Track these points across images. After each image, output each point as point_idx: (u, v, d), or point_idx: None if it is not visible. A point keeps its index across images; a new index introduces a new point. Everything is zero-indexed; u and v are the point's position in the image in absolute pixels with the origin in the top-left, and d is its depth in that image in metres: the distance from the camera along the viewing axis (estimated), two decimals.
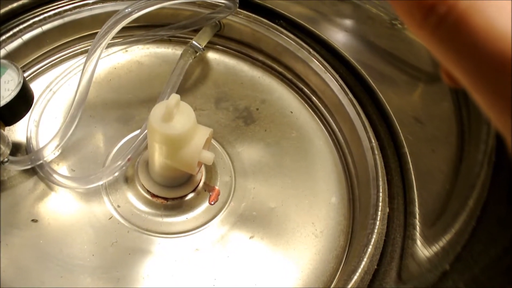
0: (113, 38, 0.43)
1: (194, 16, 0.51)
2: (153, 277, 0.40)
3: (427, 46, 0.17)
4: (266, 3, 0.54)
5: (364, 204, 0.44)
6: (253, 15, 0.53)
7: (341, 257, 0.43)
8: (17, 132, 0.45)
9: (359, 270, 0.37)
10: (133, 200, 0.43)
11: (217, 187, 0.45)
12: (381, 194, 0.42)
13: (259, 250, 0.42)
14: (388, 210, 0.42)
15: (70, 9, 0.49)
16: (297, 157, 0.48)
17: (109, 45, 0.49)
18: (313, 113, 0.52)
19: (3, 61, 0.40)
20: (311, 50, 0.51)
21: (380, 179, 0.42)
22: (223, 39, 0.55)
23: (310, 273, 0.41)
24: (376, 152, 0.44)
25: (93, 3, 0.50)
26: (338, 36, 0.55)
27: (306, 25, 0.53)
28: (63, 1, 0.49)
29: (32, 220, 0.41)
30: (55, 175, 0.41)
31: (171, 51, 0.54)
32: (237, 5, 0.49)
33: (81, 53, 0.52)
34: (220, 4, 0.50)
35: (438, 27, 0.16)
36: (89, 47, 0.43)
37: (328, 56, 0.51)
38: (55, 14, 0.49)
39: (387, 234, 0.41)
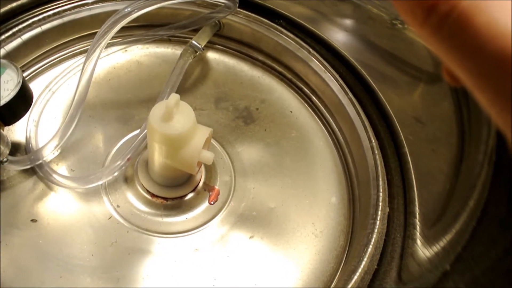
0: (113, 37, 0.43)
1: (194, 16, 0.51)
2: (152, 277, 0.39)
3: (429, 45, 0.17)
4: (266, 2, 0.53)
5: (364, 204, 0.44)
6: (253, 15, 0.52)
7: (341, 257, 0.43)
8: (17, 132, 0.45)
9: (359, 270, 0.37)
10: (133, 200, 0.43)
11: (217, 187, 0.45)
12: (381, 194, 0.42)
13: (259, 250, 0.42)
14: (388, 210, 0.41)
15: (69, 9, 0.49)
16: (297, 157, 0.48)
17: (109, 45, 0.49)
18: (313, 113, 0.52)
19: (2, 60, 0.40)
20: (311, 50, 0.51)
21: (380, 179, 0.42)
22: (223, 38, 0.55)
23: (310, 273, 0.41)
24: (376, 152, 0.44)
25: (92, 3, 0.50)
26: (338, 36, 0.55)
27: (306, 25, 0.53)
28: (62, 1, 0.49)
29: (32, 220, 0.41)
30: (54, 175, 0.41)
31: (170, 51, 0.54)
32: (237, 5, 0.49)
33: (81, 53, 0.52)
34: (219, 3, 0.50)
35: (440, 26, 0.16)
36: (89, 47, 0.43)
37: (328, 56, 0.51)
38: (54, 14, 0.48)
39: (387, 234, 0.41)
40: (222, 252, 0.42)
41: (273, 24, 0.52)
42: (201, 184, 0.45)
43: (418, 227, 0.40)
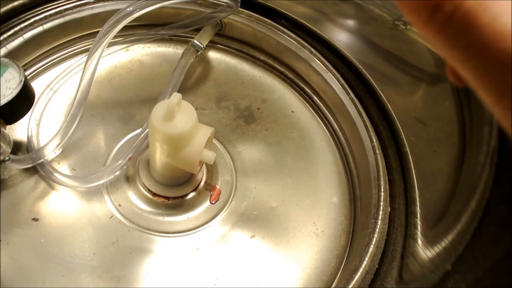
0: (114, 37, 0.43)
1: (195, 15, 0.51)
2: (154, 276, 0.39)
3: (433, 44, 0.17)
4: (268, 2, 0.53)
5: (365, 204, 0.44)
6: (255, 15, 0.52)
7: (342, 256, 0.43)
8: (18, 130, 0.45)
9: (361, 270, 0.37)
10: (134, 199, 0.43)
11: (218, 187, 0.45)
12: (382, 193, 0.42)
13: (260, 250, 0.42)
14: (389, 209, 0.41)
15: (71, 8, 0.49)
16: (298, 156, 0.48)
17: (110, 44, 0.49)
18: (314, 113, 0.52)
19: (4, 59, 0.40)
20: (312, 50, 0.51)
21: (382, 179, 0.42)
22: (225, 38, 0.55)
23: (311, 273, 0.41)
24: (377, 151, 0.44)
25: (94, 2, 0.50)
26: (340, 36, 0.55)
27: (308, 24, 0.53)
28: (64, 0, 0.49)
29: (33, 219, 0.41)
30: (56, 174, 0.41)
31: (172, 50, 0.54)
32: (239, 4, 0.49)
33: (82, 52, 0.52)
34: (221, 3, 0.50)
35: (444, 26, 0.16)
36: (90, 46, 0.43)
37: (329, 56, 0.51)
38: (56, 13, 0.48)
39: (388, 233, 0.41)
40: (223, 251, 0.42)
41: (274, 24, 0.52)
42: (202, 183, 0.45)
43: (419, 227, 0.40)
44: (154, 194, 0.43)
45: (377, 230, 0.39)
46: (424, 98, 0.51)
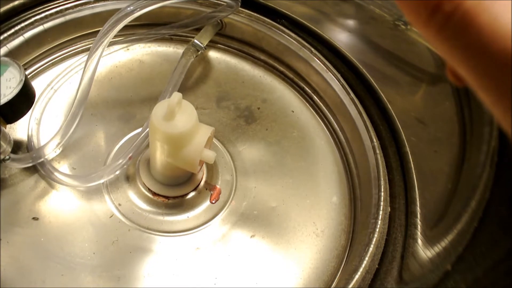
0: (115, 36, 0.43)
1: (196, 15, 0.51)
2: (154, 276, 0.39)
3: (432, 44, 0.17)
4: (268, 2, 0.53)
5: (365, 204, 0.44)
6: (255, 14, 0.52)
7: (342, 256, 0.43)
8: (19, 130, 0.45)
9: (360, 270, 0.37)
10: (134, 198, 0.43)
11: (218, 186, 0.45)
12: (382, 193, 0.42)
13: (260, 249, 0.42)
14: (389, 209, 0.41)
15: (71, 7, 0.49)
16: (298, 156, 0.48)
17: (111, 44, 0.49)
18: (314, 113, 0.52)
19: (5, 58, 0.40)
20: (312, 49, 0.51)
21: (382, 179, 0.42)
22: (225, 38, 0.55)
23: (311, 273, 0.41)
24: (377, 151, 0.44)
25: (95, 1, 0.50)
26: (340, 36, 0.55)
27: (308, 24, 0.53)
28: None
29: (33, 218, 0.41)
30: (56, 173, 0.41)
31: (172, 50, 0.54)
32: (239, 4, 0.49)
33: (83, 51, 0.52)
34: (222, 2, 0.50)
35: (444, 26, 0.16)
36: (91, 45, 0.43)
37: (330, 56, 0.51)
38: (56, 12, 0.48)
39: (388, 233, 0.41)
40: (223, 251, 0.42)
41: (275, 23, 0.52)
42: (202, 183, 0.45)
43: (419, 227, 0.40)
44: (154, 194, 0.43)
45: (377, 230, 0.39)
46: (425, 98, 0.51)
